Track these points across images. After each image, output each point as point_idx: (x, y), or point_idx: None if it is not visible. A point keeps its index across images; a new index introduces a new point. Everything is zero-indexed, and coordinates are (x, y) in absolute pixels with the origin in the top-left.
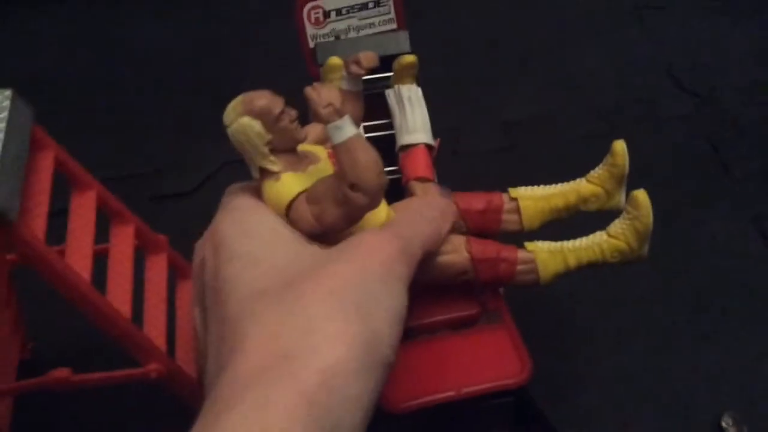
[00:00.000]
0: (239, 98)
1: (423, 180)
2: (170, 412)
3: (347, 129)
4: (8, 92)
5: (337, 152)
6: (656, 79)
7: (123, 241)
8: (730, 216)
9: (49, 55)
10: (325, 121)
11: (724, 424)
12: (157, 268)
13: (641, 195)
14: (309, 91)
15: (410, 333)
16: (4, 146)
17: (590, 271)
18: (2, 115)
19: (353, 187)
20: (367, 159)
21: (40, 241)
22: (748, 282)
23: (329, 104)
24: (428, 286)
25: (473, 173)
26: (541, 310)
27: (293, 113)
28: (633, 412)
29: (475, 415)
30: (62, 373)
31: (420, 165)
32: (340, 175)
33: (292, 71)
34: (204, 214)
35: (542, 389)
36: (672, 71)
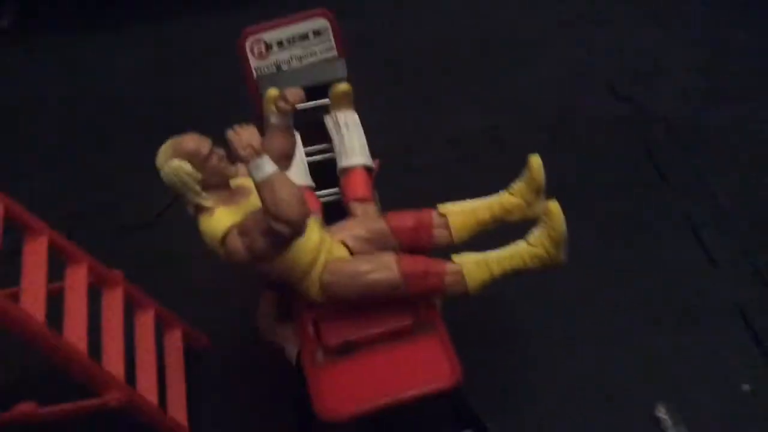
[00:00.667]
0: (169, 142)
1: (362, 200)
2: None
3: (266, 167)
4: None
5: (259, 189)
6: (595, 90)
7: (77, 280)
8: (665, 217)
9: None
10: (245, 162)
11: (658, 414)
12: (113, 302)
13: (554, 206)
14: (230, 134)
15: (349, 347)
16: None
17: (533, 278)
18: None
19: (275, 219)
20: (288, 193)
21: None
22: (682, 280)
23: (248, 145)
24: (364, 303)
25: (425, 187)
26: (486, 318)
27: (221, 152)
28: (574, 406)
29: (416, 420)
30: (28, 407)
31: (359, 186)
32: (265, 209)
33: (243, 103)
34: (164, 242)
35: (484, 386)
36: (610, 81)
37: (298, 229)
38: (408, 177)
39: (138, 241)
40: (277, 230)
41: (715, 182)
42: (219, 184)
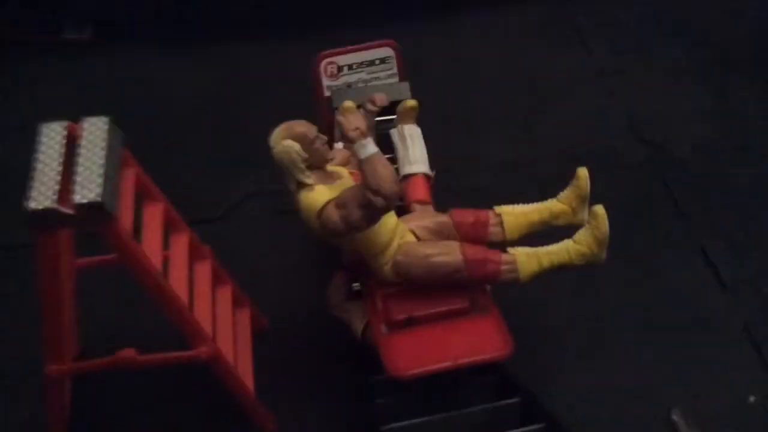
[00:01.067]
0: (283, 125)
1: (422, 203)
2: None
3: (370, 147)
4: (105, 119)
5: (362, 165)
6: (618, 132)
7: (180, 246)
8: (680, 244)
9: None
10: (353, 141)
11: (674, 417)
12: (203, 272)
13: (599, 209)
14: (340, 118)
15: (415, 321)
16: (107, 160)
17: (562, 289)
18: (103, 137)
19: (374, 192)
20: (386, 171)
21: (128, 233)
22: (695, 301)
23: (356, 128)
24: (431, 284)
25: (464, 206)
26: (518, 322)
27: (324, 138)
28: (593, 406)
29: (466, 387)
30: (129, 353)
31: (419, 190)
32: (363, 183)
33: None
34: (229, 236)
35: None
36: (631, 125)
37: (390, 203)
38: (451, 198)
39: (205, 232)
40: (373, 202)
41: (728, 218)
42: (319, 165)
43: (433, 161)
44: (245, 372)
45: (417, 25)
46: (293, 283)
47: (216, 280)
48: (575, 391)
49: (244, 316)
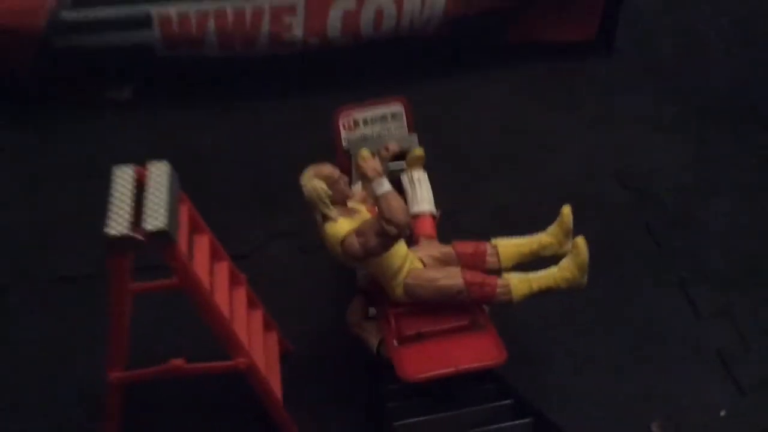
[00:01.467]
0: (312, 167)
1: (428, 237)
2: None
3: (386, 185)
4: (167, 164)
5: (378, 200)
6: (604, 178)
7: (222, 272)
8: (659, 277)
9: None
10: (371, 181)
11: (653, 429)
12: (239, 296)
13: (580, 240)
14: (360, 162)
15: (423, 336)
16: (169, 196)
17: (554, 314)
18: (166, 177)
19: (388, 222)
20: (399, 205)
21: (185, 255)
22: (673, 328)
23: (374, 169)
24: (436, 304)
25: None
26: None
27: (346, 178)
28: (583, 416)
29: (467, 393)
30: (179, 362)
31: (426, 227)
32: (380, 215)
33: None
34: (257, 271)
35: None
36: (616, 172)
37: (402, 231)
38: (455, 235)
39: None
40: (387, 231)
41: (703, 254)
42: (341, 202)
43: (438, 202)
44: (274, 384)
45: (426, 84)
46: (314, 312)
47: (250, 304)
48: (563, 402)
49: (273, 338)
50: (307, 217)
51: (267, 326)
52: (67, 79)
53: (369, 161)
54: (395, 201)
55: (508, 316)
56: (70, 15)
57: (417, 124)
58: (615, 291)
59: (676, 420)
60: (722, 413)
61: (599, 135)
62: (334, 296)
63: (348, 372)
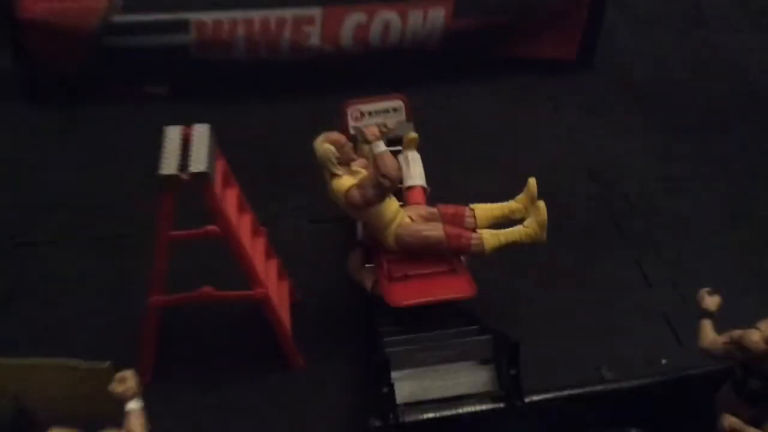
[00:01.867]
0: (324, 133)
1: (418, 203)
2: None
3: (382, 146)
4: (208, 126)
5: (376, 158)
6: (578, 173)
7: (246, 221)
8: (619, 257)
9: None
10: (370, 142)
11: (602, 371)
12: (259, 244)
13: (541, 203)
14: (361, 128)
15: (409, 277)
16: (209, 149)
17: (526, 279)
18: (207, 135)
19: (383, 176)
20: (392, 161)
21: (219, 195)
22: (628, 295)
23: (373, 133)
24: (421, 253)
25: None
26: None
27: (350, 144)
28: (535, 354)
29: (443, 317)
30: (208, 289)
31: (417, 197)
32: (376, 169)
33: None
34: (270, 238)
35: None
36: (589, 169)
37: (394, 183)
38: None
39: None
40: (382, 183)
41: (658, 239)
42: (346, 163)
43: (429, 183)
44: (285, 318)
45: (425, 89)
46: (319, 271)
47: (267, 254)
48: (526, 342)
49: (285, 286)
50: (316, 194)
51: (280, 275)
52: (112, 74)
53: (371, 128)
54: (389, 158)
55: (484, 279)
56: (119, 18)
57: (415, 121)
58: (579, 264)
59: (622, 365)
60: (663, 361)
61: (576, 138)
62: (337, 259)
63: (347, 318)
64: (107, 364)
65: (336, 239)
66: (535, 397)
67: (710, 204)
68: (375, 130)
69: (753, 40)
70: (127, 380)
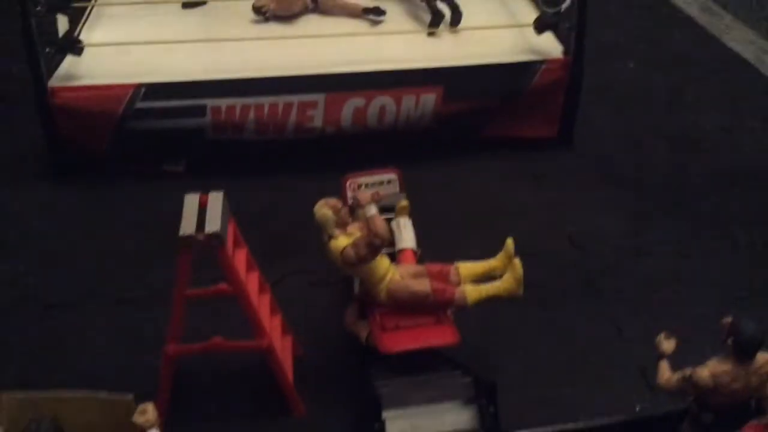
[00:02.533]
0: (323, 200)
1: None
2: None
3: (374, 209)
4: (222, 193)
5: (368, 220)
6: (557, 239)
7: (253, 278)
8: (593, 314)
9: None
10: (363, 206)
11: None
12: (265, 300)
13: (517, 261)
14: (358, 194)
15: (400, 327)
16: (222, 214)
17: (505, 331)
18: (221, 201)
19: (375, 236)
20: (382, 223)
21: (231, 255)
22: (602, 348)
23: (366, 199)
24: (411, 307)
25: None
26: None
27: (347, 209)
28: (521, 403)
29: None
30: (218, 340)
31: (408, 259)
32: (368, 230)
33: None
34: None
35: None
36: (568, 235)
37: (384, 243)
38: None
39: None
40: (373, 242)
41: (631, 295)
42: (342, 226)
43: (419, 247)
44: (288, 368)
45: (417, 166)
46: (318, 330)
47: (272, 309)
48: (506, 388)
49: (288, 340)
50: (315, 261)
51: (284, 330)
52: (134, 154)
53: (364, 194)
54: (380, 221)
55: (468, 330)
56: (142, 104)
57: (407, 192)
58: (557, 319)
59: (599, 411)
60: (637, 408)
61: (556, 208)
62: (334, 318)
63: (345, 371)
64: (130, 396)
65: (332, 300)
66: None
67: (681, 268)
68: (367, 196)
69: (729, 122)
70: (147, 412)
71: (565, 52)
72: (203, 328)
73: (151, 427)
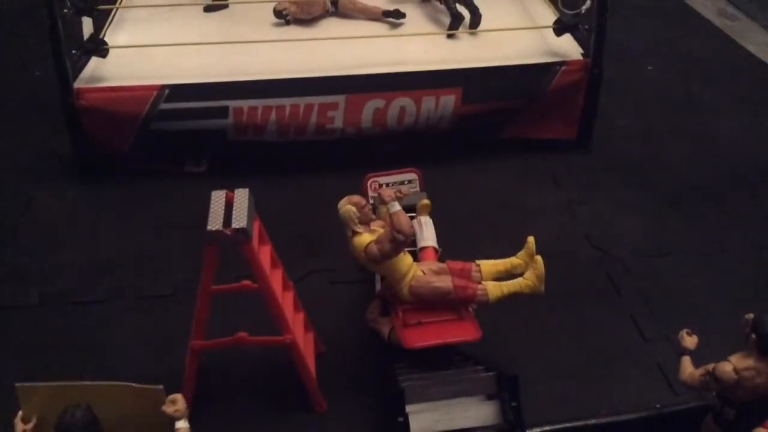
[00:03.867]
0: (346, 197)
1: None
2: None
3: (397, 206)
4: (247, 190)
5: (391, 216)
6: (577, 241)
7: (277, 275)
8: (616, 314)
9: None
10: (387, 203)
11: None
12: (288, 297)
13: (539, 258)
14: (380, 191)
15: (422, 324)
16: (248, 210)
17: (527, 331)
18: (247, 197)
19: (398, 232)
20: (405, 219)
21: (256, 250)
22: (625, 350)
23: (389, 195)
24: (433, 303)
25: None
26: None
27: (369, 206)
28: (542, 398)
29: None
30: (243, 335)
31: (429, 256)
32: (392, 226)
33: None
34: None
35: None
36: (587, 237)
37: (407, 238)
38: None
39: None
40: (397, 238)
41: (651, 297)
42: (365, 222)
43: (440, 245)
44: (310, 364)
45: (438, 167)
46: (340, 327)
47: (295, 306)
48: (527, 384)
49: (311, 337)
50: (336, 260)
51: (306, 327)
52: (157, 154)
53: (387, 191)
54: (403, 217)
55: (490, 328)
56: (166, 105)
57: (427, 191)
58: (577, 319)
59: (620, 412)
60: (657, 405)
61: (576, 210)
62: (356, 315)
63: (367, 368)
64: (160, 387)
65: (355, 298)
66: (537, 429)
67: (701, 267)
68: (391, 193)
69: (748, 123)
70: (177, 402)
71: (584, 54)
72: (224, 327)
73: (180, 417)
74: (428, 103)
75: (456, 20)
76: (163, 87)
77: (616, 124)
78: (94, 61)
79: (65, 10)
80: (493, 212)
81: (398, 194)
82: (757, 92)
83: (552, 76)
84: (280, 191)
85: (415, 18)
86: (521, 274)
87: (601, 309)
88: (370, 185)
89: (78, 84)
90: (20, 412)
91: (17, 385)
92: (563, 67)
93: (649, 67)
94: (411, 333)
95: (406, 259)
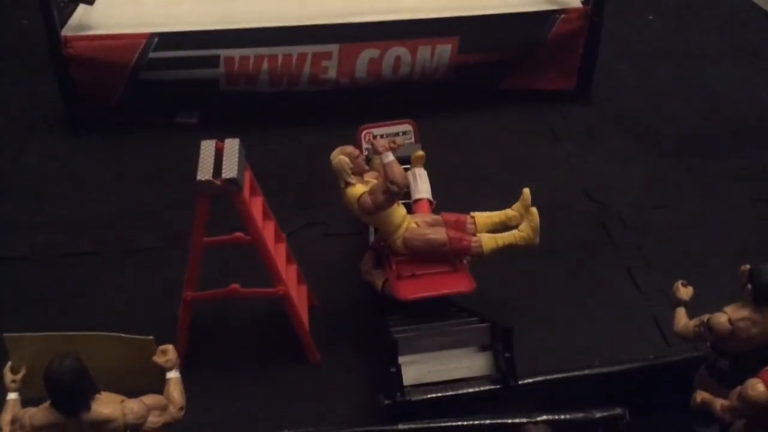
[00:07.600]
0: (339, 148)
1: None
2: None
3: (391, 156)
4: (237, 140)
5: (385, 166)
6: (574, 193)
7: (269, 227)
8: (611, 266)
9: None
10: (381, 153)
11: (595, 365)
12: (281, 249)
13: (534, 210)
14: (374, 141)
15: (416, 276)
16: (239, 159)
17: (527, 286)
18: (237, 147)
19: (392, 182)
20: (399, 169)
21: (248, 202)
22: (620, 300)
23: (383, 145)
24: (427, 255)
25: None
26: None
27: (363, 156)
28: (536, 349)
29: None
30: (236, 286)
31: (424, 209)
32: (385, 177)
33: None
34: (291, 248)
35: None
36: (584, 189)
37: (401, 189)
38: None
39: None
40: (390, 189)
41: (647, 250)
42: (358, 173)
43: (435, 198)
44: (303, 316)
45: (433, 118)
46: (333, 278)
47: (288, 258)
48: (521, 336)
49: (303, 289)
50: (330, 212)
51: (299, 280)
52: (147, 104)
53: (381, 141)
54: (397, 167)
55: (484, 281)
56: (155, 54)
57: (422, 143)
58: (573, 271)
59: (614, 359)
60: (650, 357)
61: (573, 163)
62: (349, 267)
63: (360, 320)
64: (151, 337)
65: (349, 251)
66: (529, 379)
67: (698, 220)
68: (385, 143)
69: (743, 75)
70: (168, 352)
71: (584, 2)
72: (217, 279)
73: (171, 367)
74: (424, 52)
75: None
76: (153, 35)
77: (615, 75)
78: (82, 9)
79: None
80: (489, 165)
81: (392, 145)
82: (758, 41)
83: (551, 24)
84: (273, 142)
85: None
86: (516, 226)
87: (597, 261)
88: (364, 137)
89: (66, 32)
90: (9, 363)
91: (6, 335)
92: (563, 15)
93: (650, 17)
94: (404, 285)
95: (399, 210)
